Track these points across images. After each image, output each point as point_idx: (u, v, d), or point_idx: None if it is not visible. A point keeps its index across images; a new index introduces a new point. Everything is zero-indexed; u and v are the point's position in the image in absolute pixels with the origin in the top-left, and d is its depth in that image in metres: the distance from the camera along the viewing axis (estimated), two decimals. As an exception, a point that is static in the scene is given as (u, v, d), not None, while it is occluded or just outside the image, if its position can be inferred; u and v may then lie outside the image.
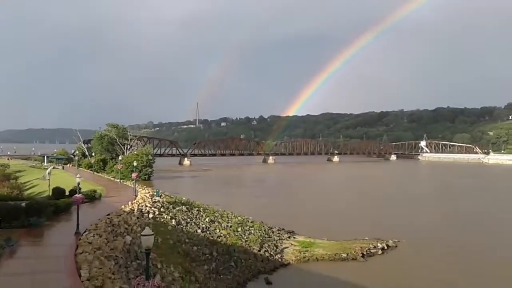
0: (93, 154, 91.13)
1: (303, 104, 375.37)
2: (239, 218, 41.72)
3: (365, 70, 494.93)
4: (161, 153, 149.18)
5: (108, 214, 30.76)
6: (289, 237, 38.93)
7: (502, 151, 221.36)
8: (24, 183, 55.76)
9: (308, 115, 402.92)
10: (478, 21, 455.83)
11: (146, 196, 42.40)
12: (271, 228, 40.69)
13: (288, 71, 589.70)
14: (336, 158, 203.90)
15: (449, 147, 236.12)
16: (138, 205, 36.62)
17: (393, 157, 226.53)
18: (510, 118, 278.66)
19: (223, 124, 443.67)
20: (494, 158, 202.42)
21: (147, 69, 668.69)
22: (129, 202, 37.45)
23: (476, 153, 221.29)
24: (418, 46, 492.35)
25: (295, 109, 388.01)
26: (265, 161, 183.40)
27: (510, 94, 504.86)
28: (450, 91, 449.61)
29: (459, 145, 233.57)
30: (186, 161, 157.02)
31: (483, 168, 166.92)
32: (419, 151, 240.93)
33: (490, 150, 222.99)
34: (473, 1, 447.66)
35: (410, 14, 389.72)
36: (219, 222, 38.74)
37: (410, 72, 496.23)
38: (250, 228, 38.72)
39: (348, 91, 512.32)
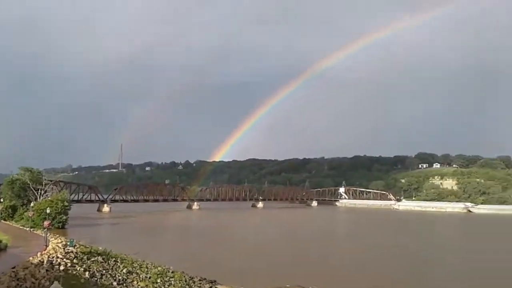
0: (1, 200, 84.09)
1: (230, 149, 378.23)
2: (159, 268, 40.46)
3: (290, 117, 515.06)
4: (79, 199, 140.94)
5: (13, 267, 28.54)
6: (211, 287, 38.45)
7: (413, 198, 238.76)
8: None
9: (234, 160, 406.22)
10: (397, 81, 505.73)
11: (58, 246, 39.88)
12: (192, 278, 39.88)
13: (216, 116, 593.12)
14: (260, 204, 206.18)
15: (366, 194, 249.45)
16: (49, 256, 34.34)
17: (314, 203, 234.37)
18: (420, 166, 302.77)
19: (147, 168, 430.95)
20: (404, 205, 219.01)
21: (66, 109, 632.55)
22: (39, 253, 34.99)
23: (390, 199, 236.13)
24: (341, 97, 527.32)
25: (221, 155, 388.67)
26: (189, 207, 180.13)
27: (419, 145, 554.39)
28: (368, 140, 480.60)
29: (374, 192, 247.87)
30: (106, 208, 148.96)
31: (393, 214, 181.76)
32: (339, 197, 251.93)
33: (402, 197, 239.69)
34: (394, 63, 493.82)
35: (333, 69, 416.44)
36: (137, 273, 37.35)
37: (332, 121, 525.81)
38: (171, 279, 37.69)
39: (274, 138, 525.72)
